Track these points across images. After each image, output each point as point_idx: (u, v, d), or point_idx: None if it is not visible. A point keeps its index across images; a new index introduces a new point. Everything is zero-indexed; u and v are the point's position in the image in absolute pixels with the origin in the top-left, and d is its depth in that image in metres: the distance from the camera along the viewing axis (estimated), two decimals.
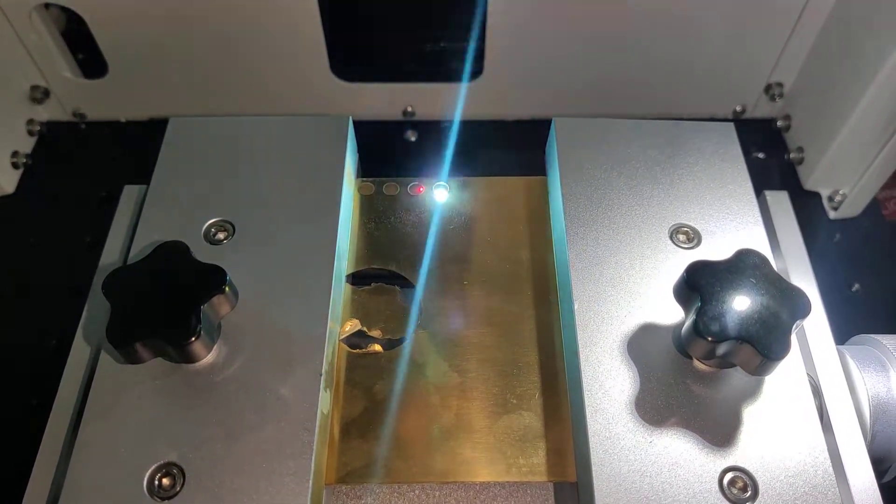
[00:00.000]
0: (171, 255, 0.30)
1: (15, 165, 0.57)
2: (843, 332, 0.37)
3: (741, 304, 0.28)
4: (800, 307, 0.29)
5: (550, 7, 0.53)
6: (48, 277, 0.53)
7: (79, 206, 0.57)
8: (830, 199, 0.56)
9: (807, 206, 0.56)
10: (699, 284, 0.29)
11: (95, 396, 0.30)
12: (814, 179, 0.56)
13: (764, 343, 0.27)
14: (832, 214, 0.56)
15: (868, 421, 0.34)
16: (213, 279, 0.29)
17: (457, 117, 0.61)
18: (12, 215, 0.56)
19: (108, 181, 0.58)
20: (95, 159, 0.60)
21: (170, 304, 0.29)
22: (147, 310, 0.28)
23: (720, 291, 0.29)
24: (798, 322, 0.28)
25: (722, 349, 0.28)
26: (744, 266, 0.30)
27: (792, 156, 0.58)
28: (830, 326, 0.35)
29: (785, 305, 0.29)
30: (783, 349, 0.27)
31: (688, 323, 0.29)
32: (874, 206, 0.57)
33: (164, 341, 0.28)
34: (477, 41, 0.57)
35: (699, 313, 0.28)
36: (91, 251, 0.52)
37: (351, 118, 0.40)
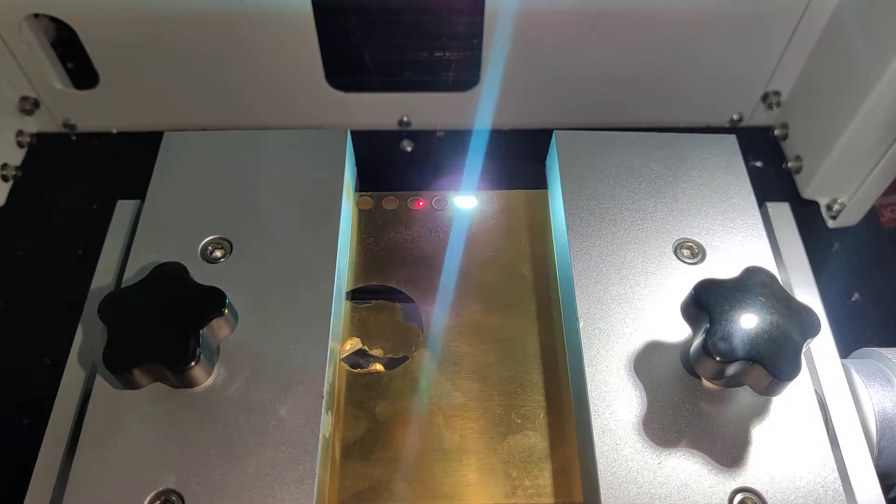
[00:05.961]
0: (169, 277, 0.29)
1: (4, 178, 0.56)
2: (844, 342, 0.36)
3: (751, 323, 0.28)
4: (810, 326, 0.28)
5: (547, 16, 0.53)
6: (40, 291, 0.52)
7: (70, 218, 0.56)
8: (829, 207, 0.56)
9: (805, 215, 0.56)
10: (707, 303, 0.29)
11: (91, 422, 0.30)
12: (812, 188, 0.56)
13: (774, 363, 0.27)
14: (830, 223, 0.56)
15: (874, 436, 0.34)
16: (213, 302, 0.29)
17: (456, 126, 0.60)
18: (2, 228, 0.55)
19: (100, 193, 0.57)
20: (86, 171, 0.59)
21: (168, 328, 0.28)
22: (145, 334, 0.28)
23: (729, 310, 0.28)
24: (808, 341, 0.28)
25: (731, 369, 0.28)
26: (752, 284, 0.29)
27: (790, 164, 0.58)
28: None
29: (795, 324, 0.28)
30: (794, 369, 0.27)
31: (696, 343, 0.29)
32: (872, 214, 0.57)
33: (163, 366, 0.27)
34: (474, 50, 0.56)
35: (708, 333, 0.28)
36: (83, 264, 0.52)
37: (349, 132, 0.39)
